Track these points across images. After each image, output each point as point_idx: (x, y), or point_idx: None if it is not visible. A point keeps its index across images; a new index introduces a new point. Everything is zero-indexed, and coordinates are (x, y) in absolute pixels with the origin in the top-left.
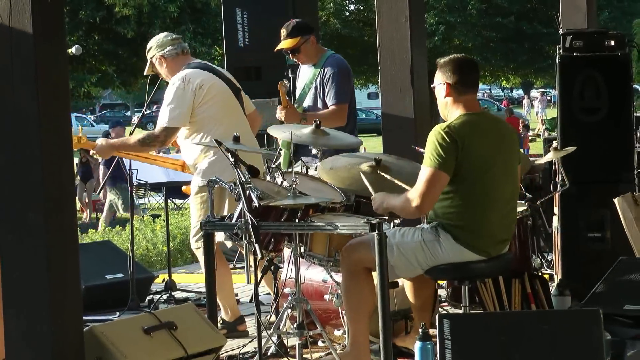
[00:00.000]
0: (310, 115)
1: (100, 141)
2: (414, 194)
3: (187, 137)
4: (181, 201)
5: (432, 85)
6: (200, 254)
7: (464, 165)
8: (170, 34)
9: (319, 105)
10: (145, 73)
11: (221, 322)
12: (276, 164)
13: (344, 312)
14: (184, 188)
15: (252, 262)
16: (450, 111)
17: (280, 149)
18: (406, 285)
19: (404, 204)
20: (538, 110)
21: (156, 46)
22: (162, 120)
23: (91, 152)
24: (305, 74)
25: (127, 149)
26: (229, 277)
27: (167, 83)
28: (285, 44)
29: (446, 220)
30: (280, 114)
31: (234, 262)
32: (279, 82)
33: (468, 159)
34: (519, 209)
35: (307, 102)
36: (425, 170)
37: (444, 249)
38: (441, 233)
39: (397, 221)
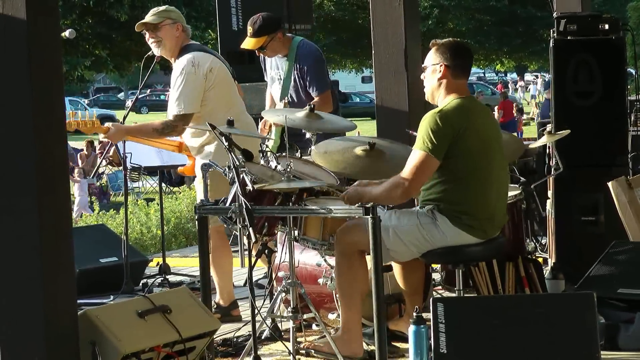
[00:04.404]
0: None
1: (113, 126)
2: (403, 177)
3: (195, 121)
4: (176, 189)
5: (423, 65)
6: None
7: (462, 148)
8: None
9: (302, 96)
10: (141, 22)
11: (215, 306)
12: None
13: (337, 295)
14: (180, 169)
15: (246, 246)
16: (441, 94)
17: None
18: (395, 270)
19: (390, 189)
20: (535, 94)
21: (178, 13)
22: (177, 108)
23: (101, 136)
24: (278, 62)
25: (143, 136)
26: (229, 260)
27: (163, 64)
28: (250, 43)
29: (444, 204)
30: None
31: None
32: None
33: (465, 142)
34: (513, 193)
35: (291, 93)
36: (416, 154)
37: (441, 232)
38: (437, 216)
39: (390, 205)
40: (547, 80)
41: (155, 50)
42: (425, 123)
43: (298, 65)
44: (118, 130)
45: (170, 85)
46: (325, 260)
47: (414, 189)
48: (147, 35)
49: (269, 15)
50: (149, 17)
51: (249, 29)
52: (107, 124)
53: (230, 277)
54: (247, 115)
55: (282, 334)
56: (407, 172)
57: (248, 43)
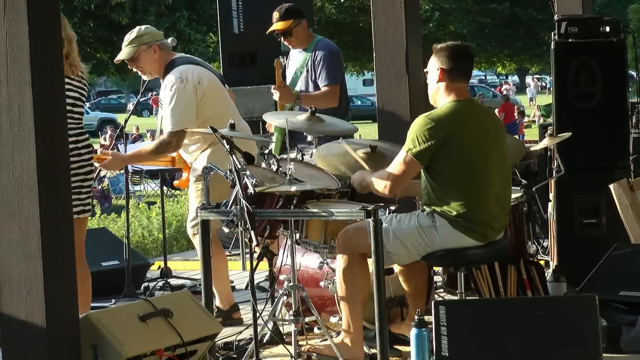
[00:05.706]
0: (303, 97)
1: (111, 155)
2: (386, 174)
3: (189, 135)
4: (178, 192)
5: (425, 70)
6: (196, 241)
7: (453, 152)
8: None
9: (311, 88)
10: (117, 59)
11: (216, 310)
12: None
13: (339, 299)
14: (175, 182)
15: (247, 249)
16: (440, 97)
17: (272, 134)
18: (399, 273)
19: (376, 182)
20: (531, 96)
21: (151, 34)
22: (170, 125)
23: (97, 164)
24: (296, 59)
25: (141, 160)
26: (224, 264)
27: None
28: (278, 25)
29: (442, 208)
30: (275, 94)
31: (230, 249)
32: (274, 60)
33: (456, 146)
34: (515, 195)
35: (299, 86)
36: (402, 155)
37: (440, 234)
38: (437, 218)
39: (392, 207)
40: (545, 83)
41: (144, 77)
42: (415, 126)
43: (314, 54)
44: (114, 161)
45: (163, 104)
46: (326, 263)
47: (396, 188)
48: (129, 65)
49: (295, 4)
50: (123, 50)
51: (275, 15)
52: (105, 152)
53: (228, 281)
54: (242, 120)
55: (284, 337)
56: (390, 170)
57: (276, 25)
